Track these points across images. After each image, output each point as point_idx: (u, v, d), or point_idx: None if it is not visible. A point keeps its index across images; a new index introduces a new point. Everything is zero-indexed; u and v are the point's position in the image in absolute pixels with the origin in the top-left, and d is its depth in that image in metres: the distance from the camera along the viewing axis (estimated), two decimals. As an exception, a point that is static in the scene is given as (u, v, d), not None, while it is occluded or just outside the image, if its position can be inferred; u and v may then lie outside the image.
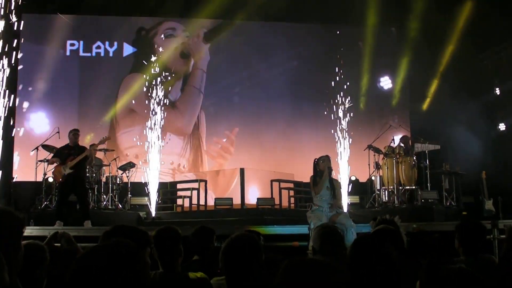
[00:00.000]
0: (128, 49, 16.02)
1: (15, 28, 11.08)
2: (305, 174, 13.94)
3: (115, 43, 15.97)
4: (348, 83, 14.31)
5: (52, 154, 12.02)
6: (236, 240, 3.30)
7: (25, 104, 15.10)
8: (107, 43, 15.93)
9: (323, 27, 16.18)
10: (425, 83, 15.79)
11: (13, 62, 11.28)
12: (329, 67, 15.25)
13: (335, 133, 13.55)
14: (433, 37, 15.25)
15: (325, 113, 14.16)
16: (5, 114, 10.95)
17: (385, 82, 16.25)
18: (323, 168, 8.54)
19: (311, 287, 2.09)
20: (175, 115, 15.74)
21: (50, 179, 12.33)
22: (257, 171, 14.39)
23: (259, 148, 15.89)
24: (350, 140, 13.45)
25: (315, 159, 8.72)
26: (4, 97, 10.65)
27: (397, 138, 14.08)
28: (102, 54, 15.95)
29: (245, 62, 16.22)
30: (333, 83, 14.32)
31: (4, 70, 10.61)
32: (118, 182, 13.19)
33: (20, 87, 14.94)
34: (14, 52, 11.90)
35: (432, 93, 15.61)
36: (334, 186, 8.50)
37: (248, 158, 15.50)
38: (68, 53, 15.75)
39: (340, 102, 13.90)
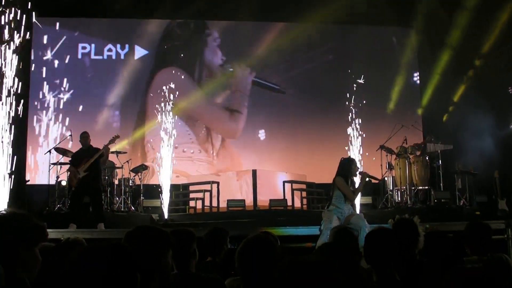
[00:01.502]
0: (139, 52, 16.05)
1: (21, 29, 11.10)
2: (317, 175, 14.06)
3: (126, 46, 16.01)
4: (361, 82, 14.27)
5: (65, 157, 12.15)
6: (252, 241, 3.30)
7: (38, 107, 15.13)
8: (118, 45, 15.96)
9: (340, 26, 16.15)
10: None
11: (25, 65, 11.34)
12: (341, 68, 15.30)
13: (349, 133, 13.51)
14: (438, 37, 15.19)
15: (337, 113, 14.18)
16: (19, 117, 11.04)
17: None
18: (355, 172, 8.36)
19: (306, 285, 2.12)
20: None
21: (64, 182, 12.38)
22: (269, 172, 14.39)
23: (271, 149, 15.86)
24: (361, 142, 13.38)
25: (346, 158, 8.53)
26: (16, 101, 10.70)
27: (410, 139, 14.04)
28: (113, 57, 15.99)
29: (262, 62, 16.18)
30: (355, 86, 14.30)
31: (16, 74, 10.67)
32: (130, 184, 13.23)
33: (33, 90, 14.97)
34: (26, 55, 12.03)
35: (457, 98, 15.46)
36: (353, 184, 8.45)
37: (260, 160, 15.49)
38: (80, 56, 15.79)
39: (353, 103, 13.88)
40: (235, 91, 16.04)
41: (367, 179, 8.43)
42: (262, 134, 16.06)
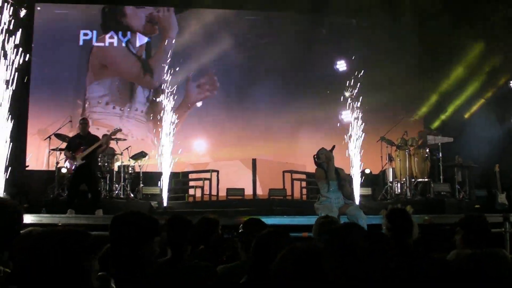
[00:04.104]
0: (142, 39, 15.99)
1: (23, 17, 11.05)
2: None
3: (128, 33, 15.93)
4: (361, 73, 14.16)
5: (65, 143, 12.15)
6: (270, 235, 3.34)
7: (39, 93, 15.07)
8: (120, 33, 15.88)
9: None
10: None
11: (25, 51, 11.27)
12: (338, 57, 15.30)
13: (349, 123, 13.43)
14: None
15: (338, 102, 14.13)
16: (18, 105, 11.01)
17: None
18: (324, 159, 8.46)
19: (305, 270, 2.16)
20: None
21: (64, 170, 12.37)
22: (269, 162, 14.39)
23: (270, 139, 15.77)
24: (363, 133, 13.30)
25: (314, 155, 8.67)
26: (16, 87, 10.66)
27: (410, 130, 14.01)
28: (115, 44, 15.92)
29: (260, 50, 16.09)
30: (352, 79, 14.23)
31: (17, 60, 10.62)
32: (130, 171, 13.23)
33: (33, 76, 14.92)
34: (27, 41, 11.97)
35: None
36: (340, 175, 8.45)
37: (259, 149, 15.43)
38: (81, 43, 15.72)
39: (353, 93, 13.78)
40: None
41: (331, 154, 8.53)
42: (260, 122, 15.94)
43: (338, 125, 13.93)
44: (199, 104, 15.95)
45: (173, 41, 15.70)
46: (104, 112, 15.45)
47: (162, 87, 14.03)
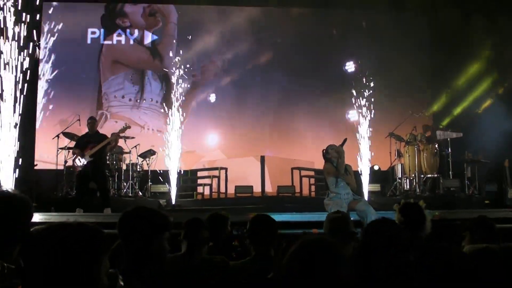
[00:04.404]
0: (148, 37, 16.01)
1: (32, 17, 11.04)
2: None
3: (136, 31, 15.95)
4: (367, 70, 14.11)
5: (73, 141, 12.18)
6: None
7: (47, 93, 15.09)
8: (127, 31, 15.91)
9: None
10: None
11: (35, 50, 11.28)
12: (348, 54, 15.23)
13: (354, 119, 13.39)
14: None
15: (348, 100, 14.08)
16: (27, 102, 10.99)
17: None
18: (334, 154, 8.41)
19: (320, 263, 2.16)
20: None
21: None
22: (277, 159, 14.36)
23: (278, 135, 15.75)
24: (371, 130, 13.25)
25: (323, 150, 8.62)
26: (25, 86, 10.65)
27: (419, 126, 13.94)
28: (123, 42, 15.95)
29: (266, 46, 16.08)
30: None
31: (26, 58, 10.62)
32: (138, 169, 13.23)
33: (42, 75, 14.95)
34: (36, 40, 11.96)
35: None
36: (349, 171, 8.41)
37: (267, 146, 15.42)
38: (89, 41, 15.76)
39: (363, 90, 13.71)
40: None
41: (342, 149, 8.50)
42: (269, 119, 15.91)
43: (350, 119, 13.86)
44: (212, 99, 15.97)
45: (175, 26, 16.02)
46: (121, 105, 15.70)
47: (173, 70, 14.24)
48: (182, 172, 13.39)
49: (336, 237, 3.88)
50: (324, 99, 15.43)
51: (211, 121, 15.91)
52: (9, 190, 3.49)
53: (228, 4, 16.02)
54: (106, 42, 15.84)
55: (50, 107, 15.02)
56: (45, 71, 15.04)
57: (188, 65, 14.58)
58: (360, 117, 13.41)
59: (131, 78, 15.83)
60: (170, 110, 13.31)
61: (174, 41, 15.78)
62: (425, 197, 12.20)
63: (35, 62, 12.46)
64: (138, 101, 15.69)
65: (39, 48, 14.25)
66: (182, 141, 13.21)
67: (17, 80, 10.38)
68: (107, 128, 14.02)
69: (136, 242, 2.79)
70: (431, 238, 4.36)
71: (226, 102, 15.99)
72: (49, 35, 15.10)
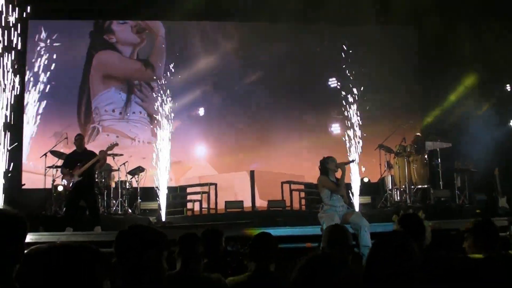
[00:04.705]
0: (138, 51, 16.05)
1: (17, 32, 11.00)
2: (315, 176, 13.97)
3: (125, 47, 15.96)
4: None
5: (61, 160, 12.08)
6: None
7: (33, 111, 15.00)
8: (118, 47, 15.93)
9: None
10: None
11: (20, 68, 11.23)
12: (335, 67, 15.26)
13: (346, 134, 13.32)
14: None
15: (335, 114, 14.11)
16: (12, 121, 10.93)
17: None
18: (333, 167, 8.41)
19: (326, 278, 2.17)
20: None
21: (60, 188, 12.25)
22: (267, 173, 14.30)
23: (266, 150, 15.72)
24: (361, 142, 13.23)
25: (322, 159, 8.60)
26: (12, 104, 10.59)
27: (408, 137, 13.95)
28: (112, 56, 15.94)
29: (254, 59, 16.10)
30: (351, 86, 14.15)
31: (11, 78, 10.56)
32: (127, 187, 13.14)
33: (28, 94, 14.87)
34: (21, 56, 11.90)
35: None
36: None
37: (257, 160, 15.38)
38: (78, 57, 15.68)
39: (352, 101, 13.68)
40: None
41: (345, 166, 8.54)
42: (256, 133, 15.89)
43: (333, 132, 13.89)
44: (201, 113, 15.92)
45: (163, 39, 16.12)
46: (112, 118, 15.65)
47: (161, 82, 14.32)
48: (171, 189, 13.30)
49: (334, 249, 3.83)
50: (311, 113, 15.49)
51: (199, 133, 15.84)
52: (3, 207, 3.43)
53: (213, 19, 16.03)
54: (97, 56, 15.80)
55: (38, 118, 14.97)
56: (36, 88, 14.97)
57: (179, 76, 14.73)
58: (349, 130, 13.37)
59: (121, 92, 15.80)
60: (158, 122, 13.22)
61: (164, 53, 15.86)
62: (416, 208, 12.17)
63: (20, 81, 12.35)
64: (128, 114, 15.67)
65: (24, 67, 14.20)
66: (171, 152, 13.10)
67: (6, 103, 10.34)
68: (99, 141, 14.35)
69: (132, 259, 2.73)
70: (429, 248, 4.32)
71: (214, 115, 16.02)
72: (38, 53, 15.08)
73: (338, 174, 8.67)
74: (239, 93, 16.06)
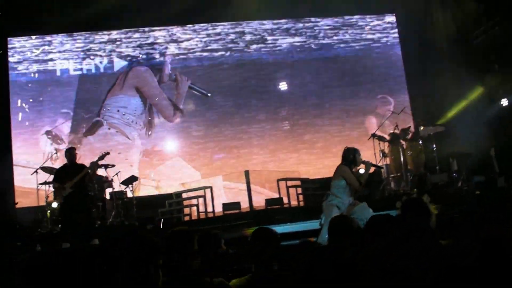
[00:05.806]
0: (119, 64, 15.78)
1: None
2: (309, 171, 13.96)
3: (106, 59, 15.71)
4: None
5: (52, 176, 11.93)
6: None
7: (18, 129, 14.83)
8: (97, 59, 15.67)
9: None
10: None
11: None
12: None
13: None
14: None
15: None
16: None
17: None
18: (359, 160, 8.23)
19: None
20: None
21: (55, 204, 12.06)
22: (262, 172, 14.19)
23: (261, 148, 15.61)
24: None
25: (350, 148, 8.38)
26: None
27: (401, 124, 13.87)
28: (93, 71, 15.69)
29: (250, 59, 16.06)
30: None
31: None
32: (122, 197, 12.99)
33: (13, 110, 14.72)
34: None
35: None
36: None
37: (251, 160, 15.28)
38: (58, 73, 15.47)
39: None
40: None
41: (370, 167, 8.35)
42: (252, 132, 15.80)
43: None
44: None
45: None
46: (121, 119, 15.49)
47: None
48: (167, 196, 13.18)
49: (339, 241, 3.71)
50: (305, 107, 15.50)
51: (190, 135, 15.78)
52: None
53: (196, 22, 15.97)
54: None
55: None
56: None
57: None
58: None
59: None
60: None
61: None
62: (418, 194, 12.10)
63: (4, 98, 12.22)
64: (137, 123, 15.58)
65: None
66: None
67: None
68: (98, 136, 14.75)
69: (129, 266, 2.62)
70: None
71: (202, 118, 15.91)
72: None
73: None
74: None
